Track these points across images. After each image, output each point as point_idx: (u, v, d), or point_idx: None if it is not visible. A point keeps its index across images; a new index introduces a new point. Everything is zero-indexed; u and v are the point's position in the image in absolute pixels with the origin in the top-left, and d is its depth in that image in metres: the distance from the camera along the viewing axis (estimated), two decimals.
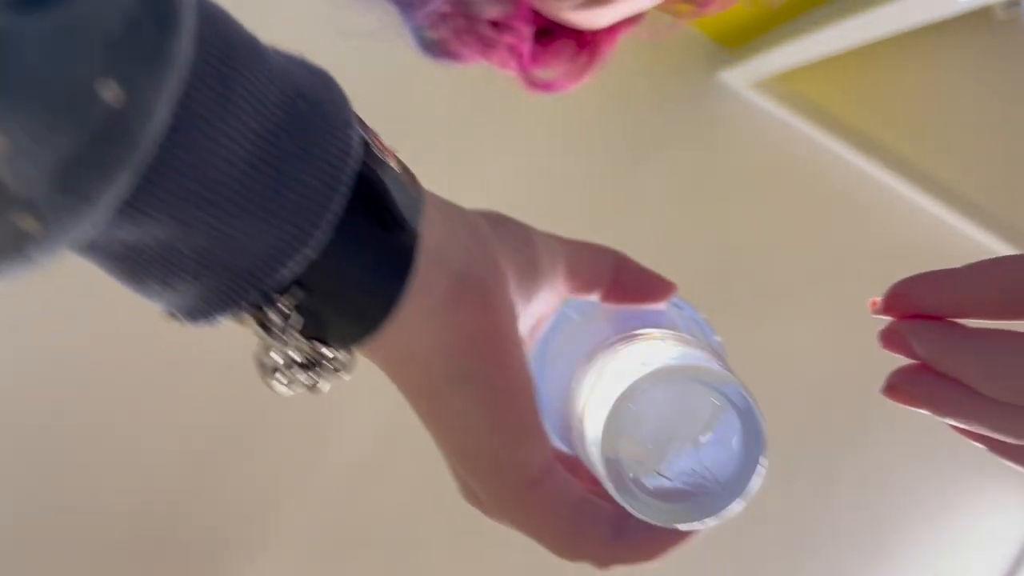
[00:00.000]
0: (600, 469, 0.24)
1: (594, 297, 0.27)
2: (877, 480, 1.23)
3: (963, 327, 0.22)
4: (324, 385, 0.22)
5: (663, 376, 0.24)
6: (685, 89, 1.14)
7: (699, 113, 1.14)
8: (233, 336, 1.00)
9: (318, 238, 0.19)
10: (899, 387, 0.24)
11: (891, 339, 0.23)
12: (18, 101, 0.13)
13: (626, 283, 0.27)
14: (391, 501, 1.08)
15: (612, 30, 0.53)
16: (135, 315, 1.06)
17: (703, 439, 0.24)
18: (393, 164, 0.21)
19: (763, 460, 0.24)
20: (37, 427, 0.98)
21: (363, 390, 1.05)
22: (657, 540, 0.24)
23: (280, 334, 0.20)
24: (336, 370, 0.22)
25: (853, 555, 1.24)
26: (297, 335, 0.20)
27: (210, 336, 1.09)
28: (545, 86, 0.54)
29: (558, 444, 0.27)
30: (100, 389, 0.99)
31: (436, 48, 0.49)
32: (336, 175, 0.18)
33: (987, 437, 0.23)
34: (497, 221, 0.25)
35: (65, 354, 0.97)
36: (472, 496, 0.24)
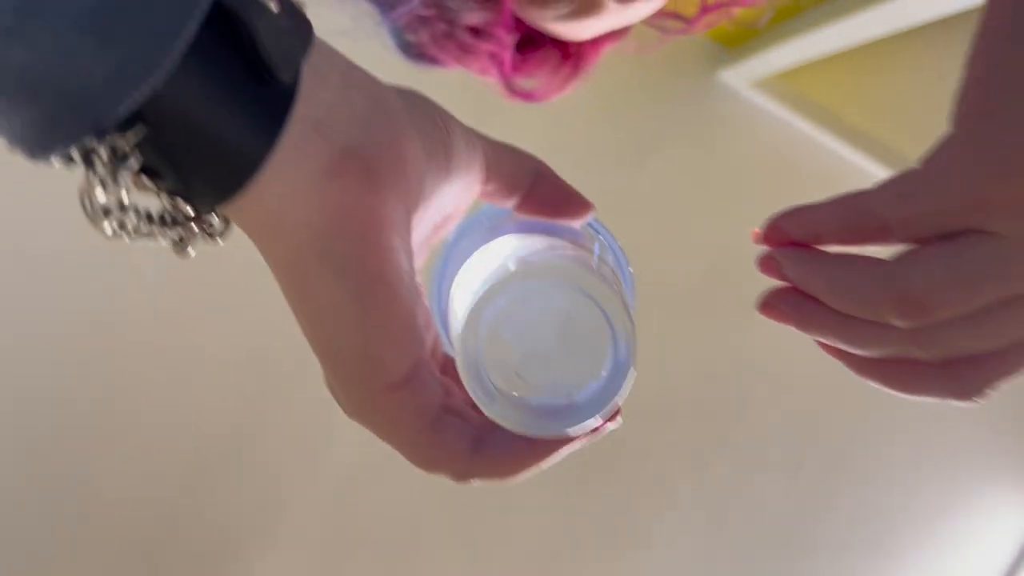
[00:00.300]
0: (459, 366, 0.23)
1: (509, 204, 0.26)
2: (878, 478, 1.23)
3: (822, 252, 0.24)
4: (191, 248, 0.20)
5: (534, 277, 0.23)
6: (685, 88, 1.14)
7: (699, 112, 1.14)
8: (237, 338, 1.00)
9: (166, 67, 0.16)
10: (770, 304, 0.26)
11: (766, 264, 0.26)
12: None
13: (543, 194, 0.26)
14: (395, 500, 1.08)
15: (597, 43, 0.52)
16: (141, 316, 1.06)
17: (571, 350, 0.23)
18: (273, 5, 0.18)
19: (629, 381, 0.24)
20: (43, 428, 0.98)
21: None
22: (516, 458, 0.23)
23: (110, 173, 0.17)
24: (208, 235, 0.20)
25: (854, 552, 1.24)
26: (137, 179, 0.18)
27: (214, 337, 1.09)
28: (526, 95, 0.52)
29: (450, 351, 0.26)
30: (105, 390, 0.99)
31: (414, 51, 0.48)
32: None
33: (844, 353, 0.26)
34: (414, 100, 0.23)
35: (71, 355, 0.97)
36: (332, 390, 0.22)
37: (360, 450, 1.06)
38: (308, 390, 1.04)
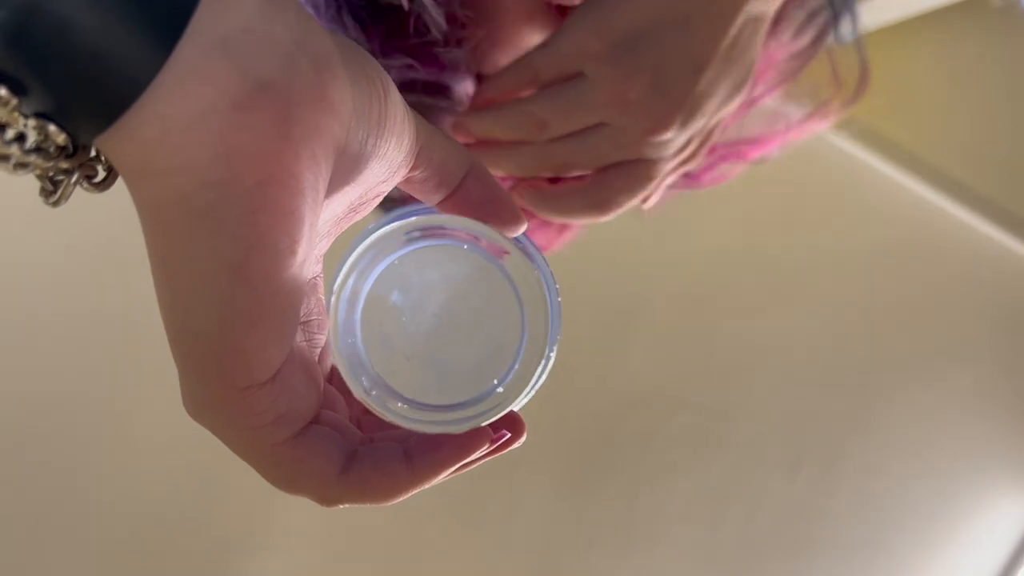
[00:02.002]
0: (333, 336, 0.18)
1: (434, 199, 0.21)
2: (878, 475, 1.23)
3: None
4: (62, 195, 0.16)
5: (431, 234, 0.18)
6: None
7: None
8: None
9: None
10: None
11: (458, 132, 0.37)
12: None
13: (473, 192, 0.21)
14: (394, 503, 1.08)
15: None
16: (139, 312, 1.06)
17: (472, 335, 0.18)
18: None
19: (530, 392, 0.19)
20: (38, 426, 0.98)
21: None
22: (390, 480, 0.20)
23: None
24: (86, 177, 0.17)
25: (854, 548, 1.24)
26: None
27: None
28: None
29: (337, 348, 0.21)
30: (100, 388, 0.99)
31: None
32: None
33: (526, 189, 0.37)
34: (352, 51, 0.18)
35: (67, 352, 0.97)
36: (180, 381, 0.18)
37: None
38: None
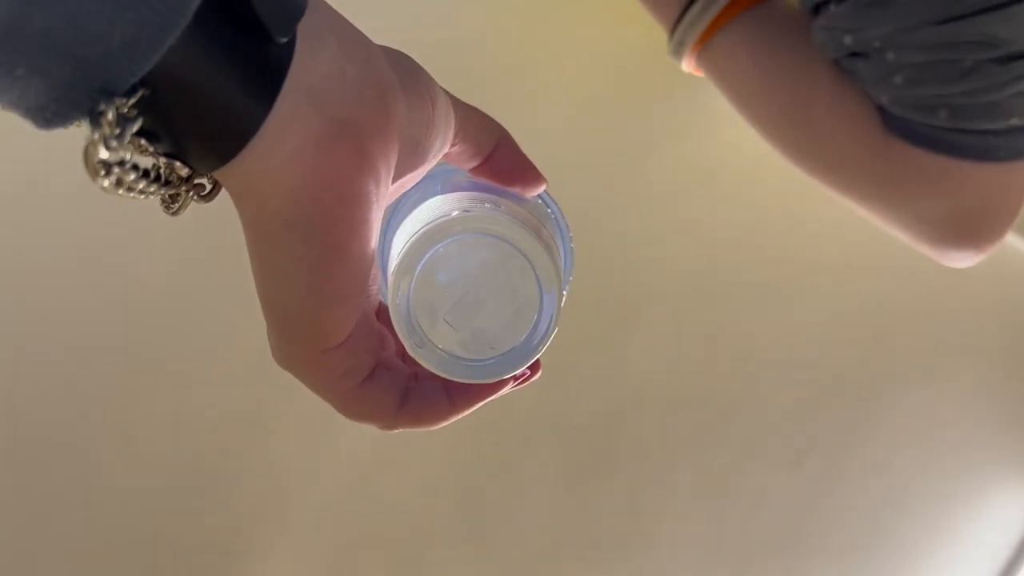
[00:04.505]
0: (391, 308, 0.24)
1: (468, 166, 0.27)
2: (881, 471, 1.23)
3: None
4: (180, 208, 0.21)
5: (472, 229, 0.24)
6: (681, 84, 1.13)
7: (700, 106, 1.14)
8: (239, 337, 1.00)
9: (179, 31, 0.16)
10: None
11: None
12: None
13: (502, 160, 0.27)
14: (399, 499, 1.09)
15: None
16: (142, 311, 1.06)
17: (500, 304, 0.25)
18: None
19: (544, 346, 0.25)
20: (40, 425, 0.98)
21: None
22: (436, 412, 0.26)
23: (114, 134, 0.17)
24: (199, 196, 0.21)
25: (856, 545, 1.24)
26: (135, 140, 0.18)
27: (215, 337, 1.08)
28: None
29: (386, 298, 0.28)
30: (103, 387, 0.99)
31: None
32: None
33: None
34: (405, 68, 0.23)
35: (69, 350, 0.97)
36: (270, 340, 0.24)
37: (363, 450, 1.06)
38: (310, 391, 1.04)
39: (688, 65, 0.64)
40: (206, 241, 0.96)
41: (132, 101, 0.17)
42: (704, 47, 0.60)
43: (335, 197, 0.20)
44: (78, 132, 0.19)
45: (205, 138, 0.19)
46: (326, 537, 1.09)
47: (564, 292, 0.27)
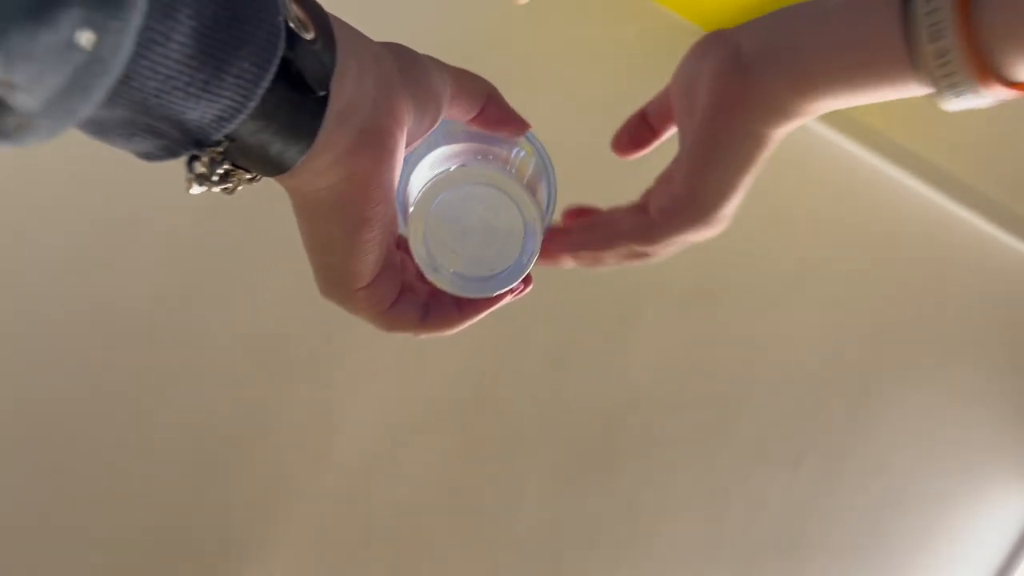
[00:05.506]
0: (411, 244, 0.32)
1: (465, 119, 0.34)
2: (881, 471, 1.23)
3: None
4: (234, 187, 0.27)
5: (469, 179, 0.31)
6: None
7: None
8: (240, 338, 1.00)
9: (251, 108, 0.23)
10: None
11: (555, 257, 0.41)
12: (12, 59, 0.17)
13: (491, 114, 0.34)
14: (399, 499, 1.09)
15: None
16: (142, 311, 1.06)
17: (494, 234, 0.32)
18: (310, 34, 0.24)
19: (534, 259, 0.33)
20: (39, 428, 0.98)
21: (366, 390, 1.05)
22: (451, 318, 0.33)
23: (209, 171, 0.25)
24: (251, 181, 0.28)
25: (855, 544, 1.24)
26: (222, 167, 0.25)
27: (215, 338, 1.08)
28: None
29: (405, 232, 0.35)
30: (103, 387, 0.99)
31: None
32: (263, 61, 0.23)
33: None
34: (405, 63, 0.29)
35: (69, 353, 0.97)
36: (319, 284, 0.31)
37: (360, 452, 1.06)
38: (309, 390, 1.04)
39: (990, 86, 0.32)
40: (207, 244, 0.96)
41: (219, 149, 0.24)
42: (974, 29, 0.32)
43: (362, 185, 0.27)
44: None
45: (267, 162, 0.26)
46: (325, 537, 1.09)
47: (549, 218, 0.35)
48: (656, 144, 0.45)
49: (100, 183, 0.90)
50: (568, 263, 0.41)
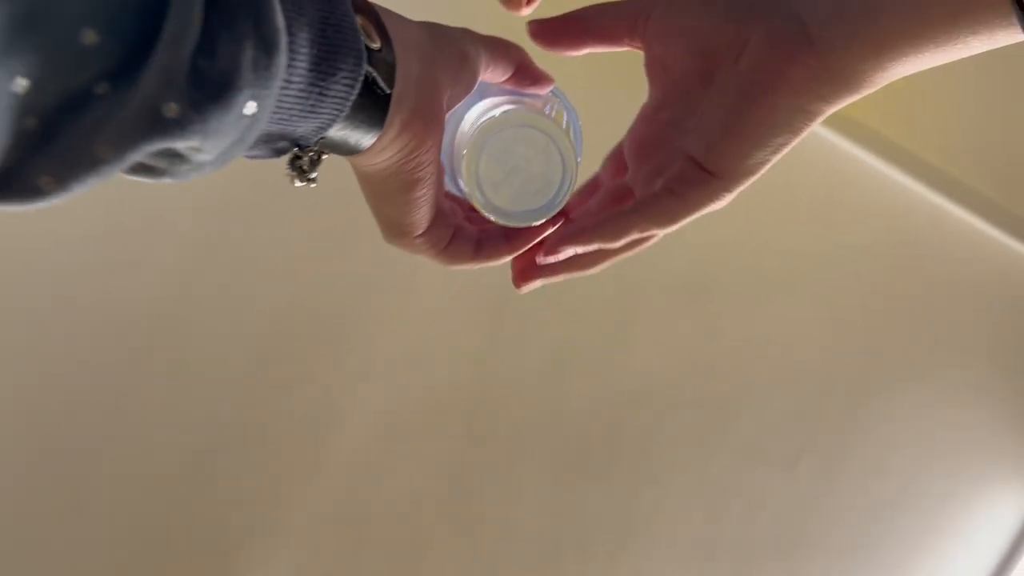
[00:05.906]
0: (465, 182, 0.36)
1: (499, 81, 0.38)
2: (878, 471, 1.23)
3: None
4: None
5: (512, 123, 0.36)
6: None
7: None
8: (240, 338, 1.00)
9: (342, 118, 0.29)
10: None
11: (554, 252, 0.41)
12: (208, 135, 0.23)
13: (523, 76, 0.38)
14: (398, 500, 1.09)
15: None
16: (142, 312, 1.06)
17: (534, 171, 0.37)
18: (376, 43, 0.29)
19: (570, 191, 0.38)
20: (40, 425, 0.98)
21: (366, 391, 1.05)
22: (501, 249, 0.38)
23: (309, 168, 0.31)
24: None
25: (853, 544, 1.24)
26: (319, 163, 0.32)
27: (216, 338, 1.08)
28: None
29: (451, 185, 0.39)
30: (101, 388, 0.99)
31: None
32: (352, 80, 0.28)
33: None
34: (439, 41, 0.34)
35: (69, 353, 0.97)
36: (384, 233, 0.36)
37: (358, 451, 1.06)
38: (309, 390, 1.04)
39: None
40: (207, 245, 0.96)
41: (316, 148, 0.30)
42: None
43: (413, 152, 0.32)
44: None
45: (344, 151, 0.31)
46: (325, 537, 1.09)
47: (578, 159, 0.39)
48: (589, 50, 0.39)
49: (100, 185, 0.90)
50: (566, 268, 0.40)
